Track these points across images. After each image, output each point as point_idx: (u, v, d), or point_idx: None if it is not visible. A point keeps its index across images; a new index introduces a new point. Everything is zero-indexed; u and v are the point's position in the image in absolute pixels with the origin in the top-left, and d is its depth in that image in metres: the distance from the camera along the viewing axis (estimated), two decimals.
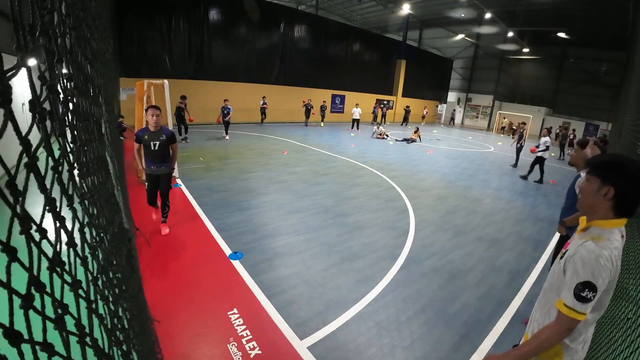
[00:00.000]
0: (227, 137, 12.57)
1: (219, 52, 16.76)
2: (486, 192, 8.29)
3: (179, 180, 6.65)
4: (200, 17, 15.75)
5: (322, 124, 19.95)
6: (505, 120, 27.80)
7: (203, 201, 5.86)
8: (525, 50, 26.72)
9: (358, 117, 19.08)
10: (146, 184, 4.56)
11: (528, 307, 3.56)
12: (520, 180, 10.14)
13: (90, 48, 1.54)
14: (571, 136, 20.91)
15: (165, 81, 7.01)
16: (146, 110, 4.31)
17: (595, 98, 24.68)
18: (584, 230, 1.45)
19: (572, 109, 26.21)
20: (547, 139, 9.61)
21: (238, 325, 2.93)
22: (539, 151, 9.70)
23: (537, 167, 9.93)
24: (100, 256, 0.96)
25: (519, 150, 12.23)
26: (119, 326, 1.05)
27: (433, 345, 2.91)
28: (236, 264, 3.97)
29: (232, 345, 2.70)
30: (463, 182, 9.12)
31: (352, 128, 19.23)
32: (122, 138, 9.41)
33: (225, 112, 12.31)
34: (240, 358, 2.59)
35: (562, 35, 22.74)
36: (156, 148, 4.31)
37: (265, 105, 17.07)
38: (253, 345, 2.72)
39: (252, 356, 2.62)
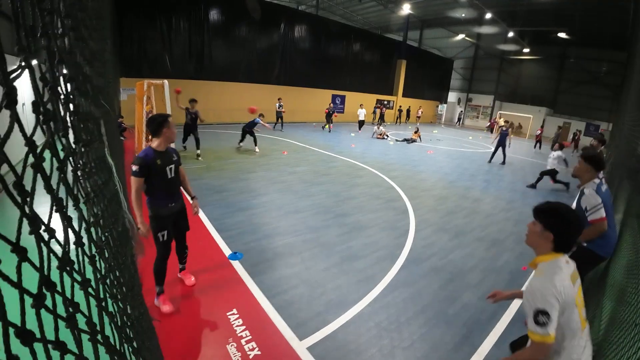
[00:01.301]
0: (257, 150, 10.65)
1: (220, 52, 16.76)
2: (487, 193, 8.27)
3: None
4: (200, 17, 15.75)
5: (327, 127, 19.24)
6: (501, 120, 27.79)
7: (203, 201, 5.85)
8: (526, 50, 26.71)
9: (363, 119, 18.87)
10: (161, 235, 3.01)
11: None
12: (520, 180, 10.11)
13: (89, 48, 1.53)
14: (576, 137, 20.82)
15: (165, 81, 7.02)
16: (160, 123, 2.90)
17: (596, 98, 24.67)
18: (534, 267, 1.70)
19: (573, 109, 26.20)
20: (559, 153, 9.00)
21: (237, 326, 2.92)
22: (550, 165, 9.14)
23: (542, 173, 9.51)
24: (107, 255, 0.97)
25: (503, 147, 12.30)
26: (129, 323, 1.06)
27: (433, 346, 2.89)
28: (236, 264, 3.96)
29: (231, 346, 2.69)
30: (464, 182, 9.10)
31: (360, 130, 19.01)
32: (122, 138, 9.41)
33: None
34: (240, 358, 2.58)
35: (562, 35, 22.72)
36: (173, 174, 3.02)
37: (282, 110, 15.99)
38: (252, 345, 2.71)
39: (251, 357, 2.60)
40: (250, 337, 2.80)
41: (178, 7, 14.92)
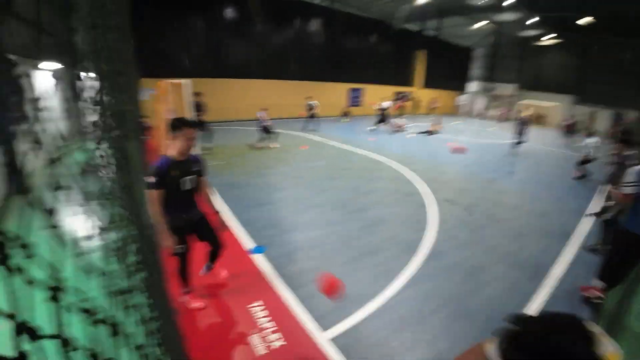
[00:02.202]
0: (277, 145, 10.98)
1: (236, 49, 16.97)
2: (510, 185, 8.08)
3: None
4: (215, 15, 15.99)
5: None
6: (523, 112, 26.75)
7: (225, 196, 6.00)
8: (549, 36, 25.64)
9: (386, 110, 18.11)
10: (180, 248, 2.82)
11: (554, 301, 3.48)
12: (545, 171, 9.80)
13: (110, 47, 1.59)
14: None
15: (185, 81, 7.18)
16: (176, 127, 2.66)
17: (622, 87, 23.44)
18: None
19: (599, 97, 24.99)
20: (596, 139, 8.76)
21: (262, 317, 3.02)
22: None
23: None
24: (130, 252, 1.01)
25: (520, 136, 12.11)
26: (148, 318, 1.10)
27: (455, 339, 2.90)
28: (259, 257, 4.06)
29: (255, 337, 2.79)
30: (486, 174, 8.91)
31: (379, 123, 18.54)
32: (144, 137, 9.71)
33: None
34: (265, 348, 2.67)
35: (587, 21, 21.67)
36: (189, 186, 2.80)
37: (314, 109, 14.86)
38: (277, 336, 2.80)
39: (277, 347, 2.69)
40: (275, 327, 2.89)
41: (193, 6, 15.17)
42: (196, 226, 2.95)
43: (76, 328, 0.54)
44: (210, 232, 3.06)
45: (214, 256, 3.28)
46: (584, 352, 0.69)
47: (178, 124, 2.66)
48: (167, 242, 2.69)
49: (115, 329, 0.69)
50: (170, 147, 2.72)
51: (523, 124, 12.05)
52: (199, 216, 2.98)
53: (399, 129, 16.33)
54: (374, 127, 15.78)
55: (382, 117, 16.02)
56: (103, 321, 0.67)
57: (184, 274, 3.07)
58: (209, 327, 2.92)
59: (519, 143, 12.22)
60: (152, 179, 2.59)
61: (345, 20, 21.52)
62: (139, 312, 0.91)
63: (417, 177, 8.06)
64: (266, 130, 10.60)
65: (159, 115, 8.79)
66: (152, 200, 2.62)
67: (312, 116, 14.99)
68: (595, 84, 25.31)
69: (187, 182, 2.76)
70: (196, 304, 3.14)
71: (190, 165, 2.78)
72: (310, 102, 14.94)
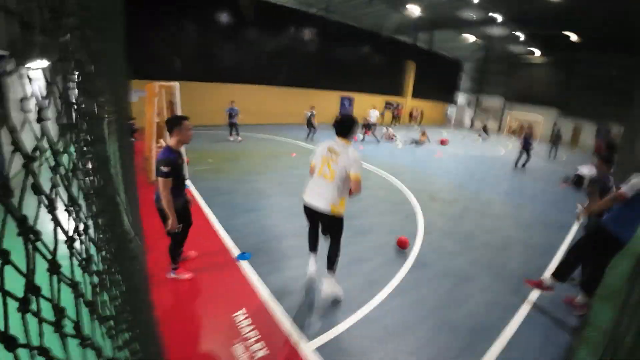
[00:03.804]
0: (240, 139, 12.40)
1: (229, 54, 16.94)
2: (495, 196, 8.21)
3: (188, 181, 6.73)
4: (210, 19, 15.96)
5: None
6: (517, 124, 27.37)
7: (211, 202, 5.93)
8: (536, 52, 26.42)
9: (375, 122, 17.21)
10: (178, 228, 3.21)
11: (537, 312, 3.53)
12: (530, 184, 10.01)
13: (94, 47, 1.56)
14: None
15: (176, 83, 7.12)
16: (175, 122, 3.16)
17: (606, 101, 24.24)
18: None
19: (584, 111, 25.76)
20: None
21: (246, 326, 2.97)
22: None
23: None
24: (100, 258, 0.97)
25: (527, 151, 12.15)
26: (123, 327, 1.06)
27: (438, 351, 2.90)
28: (244, 264, 4.01)
29: (238, 346, 2.74)
30: (472, 185, 9.04)
31: (368, 132, 18.45)
32: (132, 139, 9.57)
33: (234, 113, 12.22)
34: (248, 358, 2.62)
35: (573, 38, 22.45)
36: (184, 172, 3.40)
37: (312, 118, 14.62)
38: (260, 345, 2.76)
39: (259, 356, 2.65)
40: (258, 336, 2.85)
41: (187, 10, 15.14)
42: (182, 210, 3.32)
43: (49, 339, 0.53)
44: (188, 217, 3.54)
45: (175, 248, 3.50)
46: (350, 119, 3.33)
47: (177, 120, 3.17)
48: (174, 224, 3.12)
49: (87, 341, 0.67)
50: (171, 140, 3.15)
51: (527, 139, 11.95)
52: (187, 199, 3.47)
53: (387, 139, 16.50)
54: (363, 137, 15.95)
55: (372, 126, 16.26)
56: (80, 334, 0.64)
57: (176, 253, 3.47)
58: (190, 335, 2.85)
59: (525, 160, 12.15)
60: (166, 169, 2.96)
61: (339, 29, 21.77)
62: (118, 324, 0.87)
63: (405, 187, 8.13)
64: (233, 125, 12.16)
65: (149, 117, 8.67)
66: (166, 187, 3.00)
67: (311, 125, 14.61)
68: (580, 98, 26.10)
69: (185, 169, 3.34)
70: (186, 275, 3.54)
71: (182, 155, 3.25)
72: (307, 112, 14.63)
